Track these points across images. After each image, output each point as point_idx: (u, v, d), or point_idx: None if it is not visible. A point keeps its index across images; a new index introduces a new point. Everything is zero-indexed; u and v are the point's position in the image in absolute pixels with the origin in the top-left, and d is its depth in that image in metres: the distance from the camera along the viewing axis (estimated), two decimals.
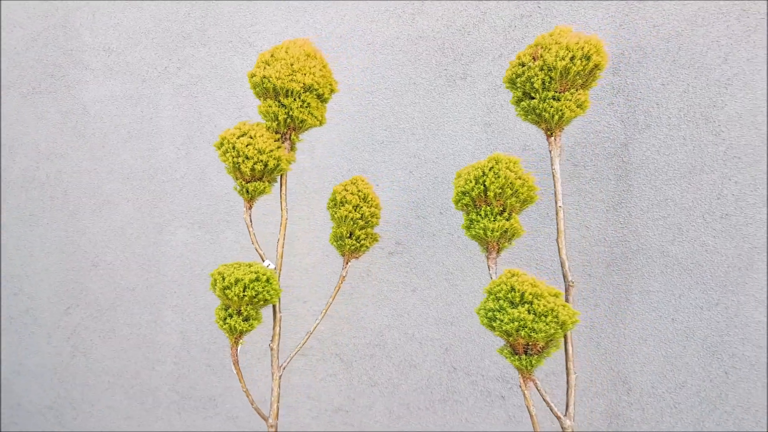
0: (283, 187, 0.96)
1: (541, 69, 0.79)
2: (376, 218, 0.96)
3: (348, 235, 0.93)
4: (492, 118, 1.18)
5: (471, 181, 0.81)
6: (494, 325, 0.74)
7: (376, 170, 1.31)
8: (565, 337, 0.83)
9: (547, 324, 0.71)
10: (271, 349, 0.95)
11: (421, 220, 1.28)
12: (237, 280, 0.82)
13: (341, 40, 1.30)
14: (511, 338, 0.74)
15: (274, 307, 0.95)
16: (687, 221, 1.03)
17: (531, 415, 0.78)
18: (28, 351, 1.81)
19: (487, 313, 0.75)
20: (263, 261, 0.94)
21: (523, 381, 0.77)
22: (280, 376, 0.95)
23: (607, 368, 1.09)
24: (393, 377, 1.31)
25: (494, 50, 1.17)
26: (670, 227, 1.04)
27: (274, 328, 0.95)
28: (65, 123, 1.74)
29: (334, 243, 0.97)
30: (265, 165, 0.87)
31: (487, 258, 0.85)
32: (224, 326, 0.85)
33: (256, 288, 0.83)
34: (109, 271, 1.70)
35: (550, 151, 0.83)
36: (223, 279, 0.82)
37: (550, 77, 0.79)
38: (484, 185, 0.81)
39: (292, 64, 0.86)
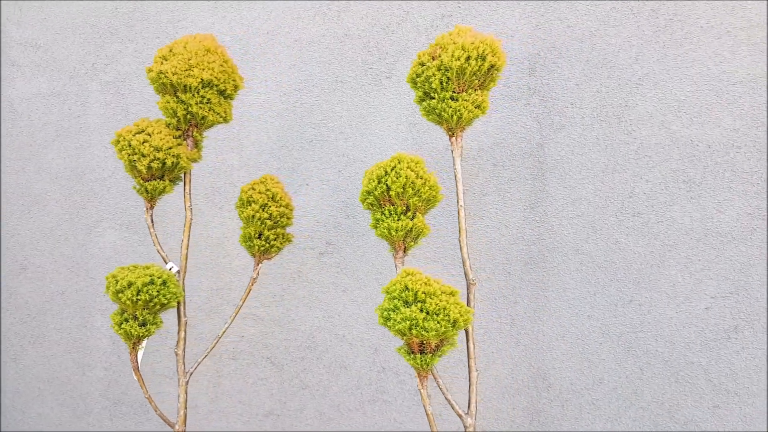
0: (187, 186, 0.95)
1: (439, 69, 0.80)
2: (287, 218, 0.95)
3: (257, 235, 0.93)
4: (417, 118, 1.19)
5: (374, 181, 0.81)
6: (389, 324, 0.75)
7: (306, 169, 1.30)
8: (467, 334, 0.84)
9: (438, 323, 0.72)
10: (177, 355, 0.94)
11: (351, 219, 1.28)
12: (130, 284, 0.81)
13: (268, 37, 1.30)
14: (405, 337, 0.75)
15: (178, 310, 0.94)
16: (600, 219, 1.06)
17: (427, 414, 0.79)
18: None
19: (383, 313, 0.76)
20: (166, 263, 0.93)
21: (420, 380, 0.78)
22: (186, 382, 0.94)
23: (527, 365, 1.11)
24: (324, 379, 1.31)
25: (417, 49, 1.18)
26: (584, 225, 1.07)
27: (179, 332, 0.94)
28: None
29: (244, 244, 0.96)
30: (163, 163, 0.85)
31: (394, 257, 0.86)
32: (119, 331, 0.84)
33: (150, 291, 0.82)
34: (38, 274, 1.66)
35: (452, 151, 0.85)
36: (116, 282, 0.81)
37: (447, 77, 0.80)
38: (387, 185, 0.81)
39: (189, 59, 0.86)
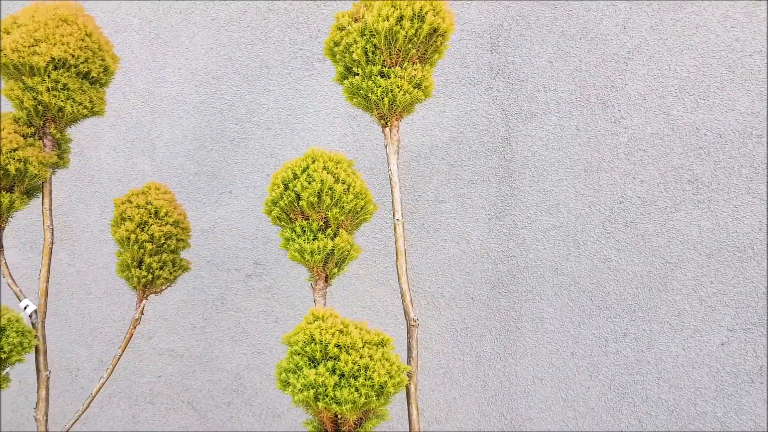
0: (46, 199, 0.71)
1: (362, 34, 0.56)
2: (178, 240, 0.71)
3: (136, 263, 0.68)
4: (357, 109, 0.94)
5: (279, 187, 0.58)
6: (288, 391, 0.50)
7: (229, 173, 1.06)
8: (408, 395, 0.60)
9: (356, 390, 0.48)
10: (36, 421, 0.68)
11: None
12: None
13: (182, 16, 1.06)
14: (310, 410, 0.50)
15: (37, 362, 0.69)
16: (584, 231, 0.82)
17: None
18: None
19: (281, 374, 0.51)
20: (20, 300, 0.68)
21: None
22: None
23: (498, 414, 0.86)
24: (254, 429, 1.05)
25: None
26: (563, 239, 0.83)
27: (38, 391, 0.69)
28: None
29: (121, 275, 0.71)
30: (5, 170, 0.61)
31: (313, 289, 0.61)
32: None
33: None
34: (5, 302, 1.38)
35: (386, 147, 0.60)
36: None
37: (374, 45, 0.56)
38: (296, 192, 0.57)
39: (35, 31, 0.61)
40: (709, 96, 0.78)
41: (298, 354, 0.53)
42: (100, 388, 0.76)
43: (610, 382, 0.84)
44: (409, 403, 0.62)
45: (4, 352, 0.64)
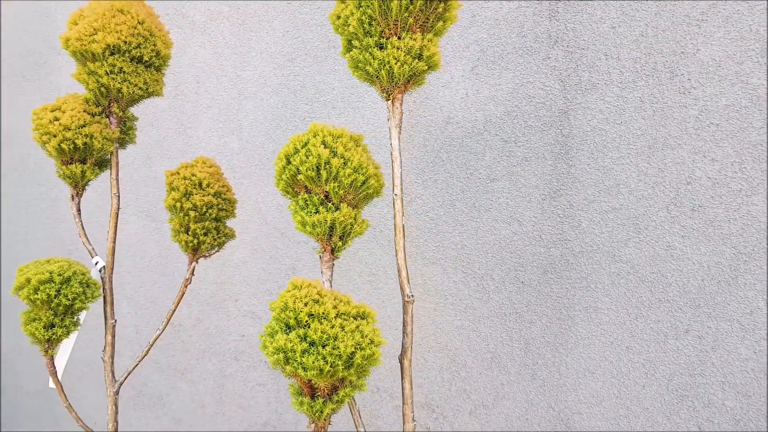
0: (113, 170, 0.81)
1: (359, 6, 0.56)
2: (220, 210, 0.77)
3: (184, 229, 0.75)
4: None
5: (282, 160, 0.60)
6: (265, 353, 0.54)
7: None
8: (402, 369, 0.60)
9: (322, 357, 0.49)
10: (104, 362, 0.80)
11: None
12: (28, 280, 0.69)
13: (263, 2, 1.12)
14: (284, 372, 0.53)
15: (105, 311, 0.80)
16: (646, 215, 0.74)
17: None
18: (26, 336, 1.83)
19: (261, 336, 0.55)
20: (92, 258, 0.79)
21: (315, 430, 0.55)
22: (115, 393, 0.81)
23: (545, 405, 0.83)
24: None
25: None
26: (623, 223, 0.76)
27: (105, 336, 0.80)
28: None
29: (174, 239, 0.80)
30: (74, 144, 0.71)
31: (321, 261, 0.63)
32: (26, 331, 0.73)
33: (48, 291, 0.68)
34: (79, 259, 1.64)
35: (388, 120, 0.60)
36: (20, 275, 0.70)
37: (370, 16, 0.55)
38: (296, 166, 0.59)
39: (94, 22, 0.70)
40: None
41: (276, 320, 0.55)
42: (157, 338, 0.86)
43: (668, 382, 0.76)
44: (402, 378, 0.63)
45: (68, 299, 0.75)
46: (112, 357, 0.86)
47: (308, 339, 0.54)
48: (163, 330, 0.87)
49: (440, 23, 0.61)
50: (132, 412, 1.52)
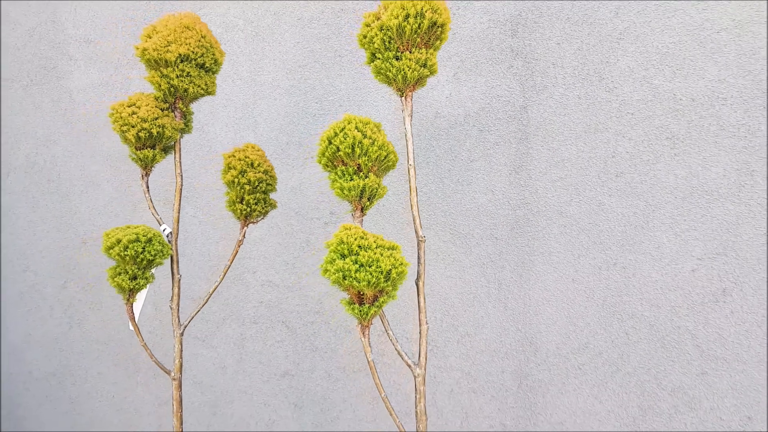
0: (177, 154, 1.09)
1: (381, 29, 0.87)
2: (266, 184, 1.07)
3: (239, 200, 1.04)
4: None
5: (324, 142, 0.90)
6: (326, 275, 0.83)
7: (311, 142, 1.41)
8: (417, 289, 0.91)
9: (369, 273, 0.80)
10: (171, 309, 1.08)
11: None
12: (118, 240, 0.96)
13: (275, 17, 1.42)
14: (341, 287, 0.83)
15: (171, 268, 1.08)
16: (583, 182, 1.07)
17: (368, 361, 0.88)
18: (35, 323, 2.06)
19: (322, 265, 0.85)
20: (160, 225, 1.07)
21: (361, 330, 0.86)
22: (181, 334, 1.10)
23: (515, 329, 1.15)
24: (331, 342, 1.42)
25: None
26: (567, 188, 1.09)
27: (172, 288, 1.09)
28: (56, 111, 1.96)
29: (229, 208, 1.09)
30: (150, 132, 0.99)
31: (353, 217, 0.94)
32: (113, 283, 1.00)
33: (135, 248, 0.96)
34: (95, 247, 1.90)
35: (402, 111, 0.91)
36: (108, 239, 0.95)
37: (389, 37, 0.86)
38: (336, 146, 0.89)
39: (168, 36, 0.98)
40: (684, 67, 1.00)
41: (334, 251, 0.85)
42: (214, 290, 1.14)
43: (603, 302, 1.09)
44: (418, 294, 0.94)
45: (151, 255, 1.02)
46: (178, 305, 1.14)
47: (358, 262, 0.83)
48: (221, 282, 1.15)
49: (438, 42, 0.92)
50: (153, 381, 1.78)
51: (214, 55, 1.09)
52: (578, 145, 1.11)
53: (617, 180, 1.08)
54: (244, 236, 1.15)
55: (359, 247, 0.85)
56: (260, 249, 1.55)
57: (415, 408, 0.90)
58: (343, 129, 0.92)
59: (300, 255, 1.49)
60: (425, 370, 0.92)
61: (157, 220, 1.13)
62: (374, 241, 0.86)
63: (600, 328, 1.11)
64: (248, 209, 1.09)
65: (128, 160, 1.78)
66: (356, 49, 1.35)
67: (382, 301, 0.87)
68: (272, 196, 1.17)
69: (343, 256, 0.86)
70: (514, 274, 1.19)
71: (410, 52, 0.90)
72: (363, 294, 0.87)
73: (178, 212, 1.13)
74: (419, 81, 0.92)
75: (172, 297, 1.14)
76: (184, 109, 1.10)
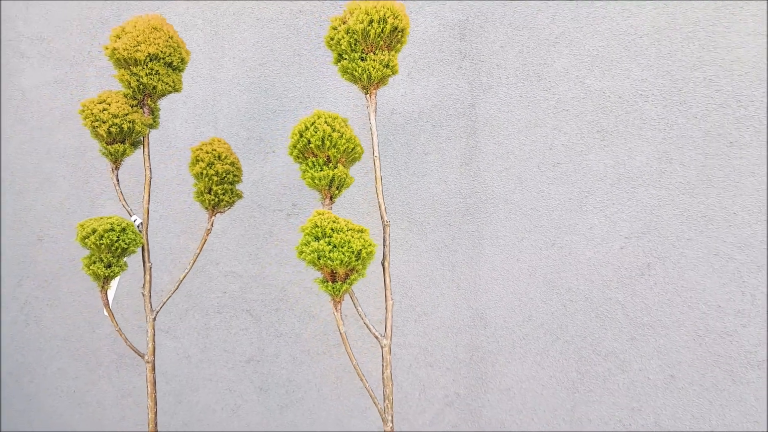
0: (146, 149, 1.13)
1: (347, 32, 0.94)
2: (233, 175, 1.12)
3: (207, 190, 1.09)
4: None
5: (296, 135, 0.97)
6: (302, 257, 0.90)
7: (272, 137, 1.46)
8: (384, 269, 0.99)
9: (342, 253, 0.87)
10: (143, 295, 1.12)
11: None
12: (93, 230, 1.00)
13: (234, 17, 1.46)
14: (316, 267, 0.91)
15: (143, 256, 1.12)
16: (525, 172, 1.18)
17: (341, 334, 0.95)
18: None
19: (298, 247, 0.91)
20: (130, 216, 1.11)
21: (334, 305, 0.93)
22: (153, 319, 1.13)
23: (467, 306, 1.25)
24: (295, 327, 1.48)
25: None
26: (511, 177, 1.19)
27: (144, 276, 1.12)
28: (7, 109, 1.92)
29: (197, 199, 1.13)
30: (120, 128, 1.02)
31: (323, 205, 1.00)
32: (89, 271, 1.03)
33: (110, 237, 0.99)
34: (52, 244, 1.89)
35: (367, 107, 0.98)
36: (83, 229, 0.99)
37: (355, 39, 0.94)
38: (307, 138, 0.96)
39: (137, 36, 1.02)
40: (612, 68, 1.12)
41: (309, 234, 0.92)
42: (185, 276, 1.18)
43: (544, 278, 1.20)
44: (384, 274, 1.02)
45: (125, 243, 1.06)
46: (150, 292, 1.17)
47: (332, 243, 0.91)
48: (190, 268, 1.19)
49: (398, 45, 1.00)
50: (115, 373, 1.79)
51: (181, 54, 1.13)
52: (520, 138, 1.22)
53: (554, 169, 1.19)
54: (212, 225, 1.20)
55: (332, 230, 0.92)
56: (223, 241, 1.59)
57: (382, 374, 0.98)
58: (313, 123, 0.99)
59: (263, 246, 1.55)
60: (391, 340, 1.01)
61: (128, 212, 1.17)
62: (345, 225, 0.93)
63: (541, 302, 1.23)
64: (216, 199, 1.14)
65: (85, 157, 1.78)
66: (315, 48, 1.42)
67: (353, 279, 0.94)
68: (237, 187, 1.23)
69: (318, 239, 0.93)
70: (466, 257, 1.29)
71: (374, 54, 0.98)
72: (336, 272, 0.94)
73: (148, 203, 1.17)
74: (382, 80, 1.00)
75: (144, 284, 1.18)
76: (153, 105, 1.14)
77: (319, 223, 0.92)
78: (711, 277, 1.08)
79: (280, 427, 1.52)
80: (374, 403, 0.97)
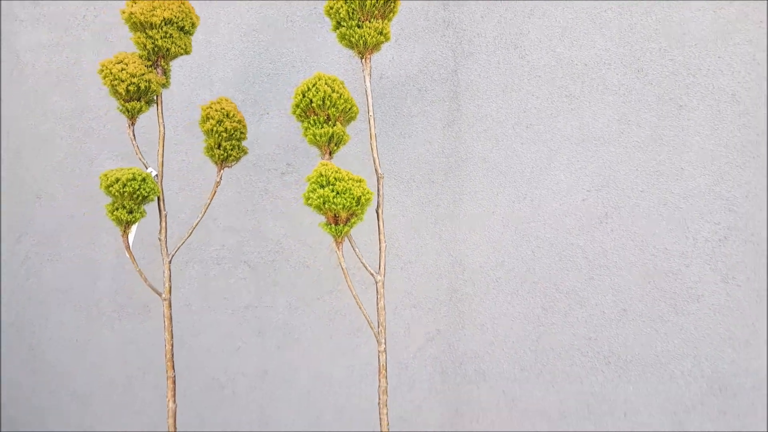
0: (159, 107, 1.21)
1: (346, 1, 1.03)
2: (240, 132, 1.22)
3: (217, 146, 1.18)
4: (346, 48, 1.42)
5: (299, 95, 1.07)
6: (309, 202, 1.01)
7: (266, 100, 1.55)
8: (378, 216, 1.11)
9: (344, 199, 0.98)
10: (159, 240, 1.21)
11: (305, 143, 1.54)
12: (117, 179, 1.09)
13: None
14: (321, 211, 1.02)
15: (159, 205, 1.21)
16: (501, 133, 1.30)
17: (342, 269, 1.08)
18: None
19: (305, 194, 1.02)
20: (146, 168, 1.19)
21: (336, 245, 1.06)
22: (169, 262, 1.24)
23: (447, 254, 1.38)
24: (291, 277, 1.59)
25: None
26: (489, 138, 1.31)
27: (160, 222, 1.22)
28: (2, 71, 1.95)
29: (207, 154, 1.22)
30: (138, 87, 1.10)
31: (322, 159, 1.11)
32: (112, 217, 1.13)
33: (133, 185, 1.09)
34: (51, 202, 1.95)
35: (363, 71, 1.08)
36: (107, 179, 1.08)
37: (352, 8, 1.03)
38: (309, 98, 1.06)
39: (153, 2, 1.09)
40: (579, 39, 1.24)
41: (314, 183, 1.03)
42: (197, 224, 1.28)
43: (515, 228, 1.35)
44: (378, 219, 1.14)
45: (146, 192, 1.15)
46: (166, 237, 1.27)
47: (335, 190, 1.02)
48: (202, 217, 1.29)
49: (391, 14, 1.09)
50: (117, 322, 1.89)
51: (191, 19, 1.21)
52: (497, 102, 1.34)
53: (527, 131, 1.32)
54: (221, 178, 1.30)
55: (335, 179, 1.03)
56: (220, 198, 1.69)
57: (377, 305, 1.11)
58: (315, 84, 1.09)
59: (259, 202, 1.65)
60: (384, 277, 1.13)
61: (144, 164, 1.26)
62: (346, 175, 1.04)
63: (512, 248, 1.37)
64: (225, 154, 1.24)
65: (83, 118, 1.84)
66: (307, 15, 1.50)
67: (353, 222, 1.06)
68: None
69: (323, 186, 1.04)
70: (447, 211, 1.42)
71: (369, 22, 1.07)
72: (338, 216, 1.05)
73: (162, 156, 1.25)
74: (376, 46, 1.10)
75: (160, 230, 1.28)
76: (165, 66, 1.22)
77: (323, 173, 1.03)
78: (659, 224, 1.23)
79: (277, 365, 1.65)
80: (370, 326, 1.11)
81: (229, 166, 1.28)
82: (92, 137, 1.84)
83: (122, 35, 1.73)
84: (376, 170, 1.14)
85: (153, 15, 1.14)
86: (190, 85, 1.67)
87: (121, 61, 1.15)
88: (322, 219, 1.44)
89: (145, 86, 1.16)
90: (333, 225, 1.06)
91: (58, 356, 2.01)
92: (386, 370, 1.14)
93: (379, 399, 1.13)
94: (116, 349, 1.90)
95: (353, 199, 1.02)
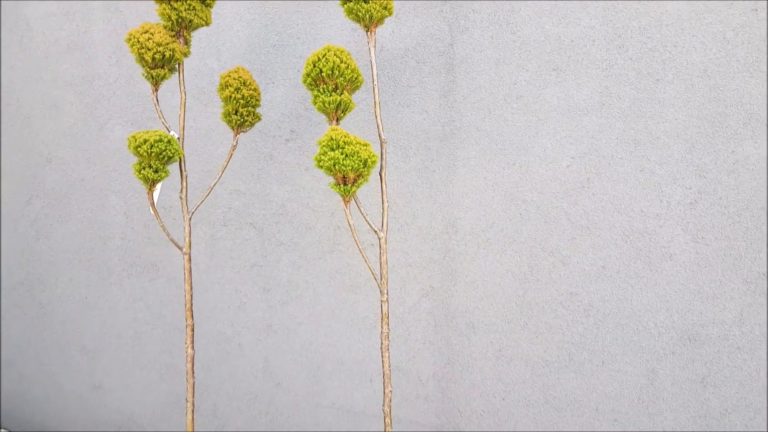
0: (181, 74, 1.28)
1: None
2: (255, 99, 1.30)
3: (234, 112, 1.26)
4: (357, 25, 1.49)
5: (310, 65, 1.15)
6: (320, 164, 1.10)
7: (272, 70, 1.62)
8: (381, 178, 1.20)
9: (353, 161, 1.08)
10: (180, 199, 1.30)
11: (309, 111, 1.61)
12: (145, 140, 1.17)
13: None
14: (331, 172, 1.11)
15: (180, 166, 1.29)
16: (493, 103, 1.39)
17: (350, 225, 1.17)
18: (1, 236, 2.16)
19: (316, 157, 1.11)
20: (169, 131, 1.27)
21: (345, 203, 1.15)
22: (189, 219, 1.31)
23: (442, 217, 1.48)
24: (294, 237, 1.69)
25: None
26: (482, 108, 1.40)
27: (181, 182, 1.30)
28: (12, 38, 2.00)
29: (224, 119, 1.31)
30: (163, 55, 1.18)
31: (330, 126, 1.19)
32: (140, 176, 1.21)
33: (159, 146, 1.17)
34: (61, 165, 2.02)
35: (368, 43, 1.17)
36: (135, 140, 1.16)
37: None
38: (319, 68, 1.14)
39: None
40: (567, 16, 1.33)
41: (325, 146, 1.12)
42: (216, 183, 1.36)
43: (505, 192, 1.44)
44: (381, 181, 1.23)
45: (171, 153, 1.23)
46: (186, 195, 1.35)
47: (344, 153, 1.11)
48: (220, 177, 1.37)
49: None
50: (126, 280, 1.98)
51: None
52: (490, 74, 1.42)
53: (518, 101, 1.41)
54: (237, 142, 1.38)
55: (344, 142, 1.12)
56: (229, 164, 1.76)
57: (380, 259, 1.21)
58: (324, 55, 1.17)
59: (264, 167, 1.73)
60: (386, 233, 1.23)
61: (166, 127, 1.33)
62: (354, 139, 1.13)
63: (502, 211, 1.47)
64: (241, 119, 1.32)
65: (93, 85, 1.90)
66: None
67: (360, 182, 1.16)
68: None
69: (333, 149, 1.13)
70: (442, 176, 1.51)
71: None
72: (347, 177, 1.15)
73: (184, 120, 1.33)
74: (380, 20, 1.18)
75: (182, 189, 1.36)
76: (187, 36, 1.29)
77: (333, 137, 1.12)
78: (636, 188, 1.34)
79: (281, 320, 1.76)
80: (374, 277, 1.21)
81: (244, 131, 1.36)
82: (102, 103, 1.90)
83: (132, 5, 1.78)
84: (379, 135, 1.23)
85: None
86: (199, 55, 1.74)
87: (147, 31, 1.22)
88: (324, 185, 1.54)
89: (170, 55, 1.23)
90: (342, 185, 1.15)
91: (68, 314, 2.10)
92: (388, 318, 1.25)
93: (381, 343, 1.24)
94: (125, 306, 2.00)
95: (360, 161, 1.11)
